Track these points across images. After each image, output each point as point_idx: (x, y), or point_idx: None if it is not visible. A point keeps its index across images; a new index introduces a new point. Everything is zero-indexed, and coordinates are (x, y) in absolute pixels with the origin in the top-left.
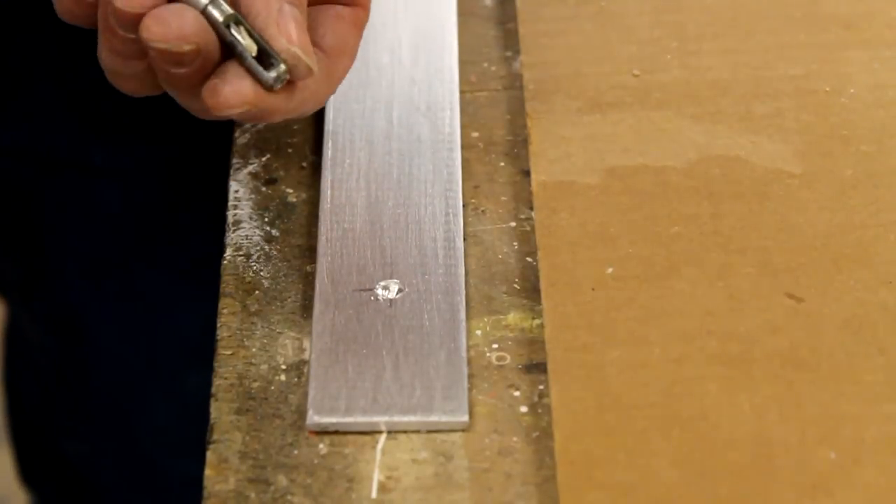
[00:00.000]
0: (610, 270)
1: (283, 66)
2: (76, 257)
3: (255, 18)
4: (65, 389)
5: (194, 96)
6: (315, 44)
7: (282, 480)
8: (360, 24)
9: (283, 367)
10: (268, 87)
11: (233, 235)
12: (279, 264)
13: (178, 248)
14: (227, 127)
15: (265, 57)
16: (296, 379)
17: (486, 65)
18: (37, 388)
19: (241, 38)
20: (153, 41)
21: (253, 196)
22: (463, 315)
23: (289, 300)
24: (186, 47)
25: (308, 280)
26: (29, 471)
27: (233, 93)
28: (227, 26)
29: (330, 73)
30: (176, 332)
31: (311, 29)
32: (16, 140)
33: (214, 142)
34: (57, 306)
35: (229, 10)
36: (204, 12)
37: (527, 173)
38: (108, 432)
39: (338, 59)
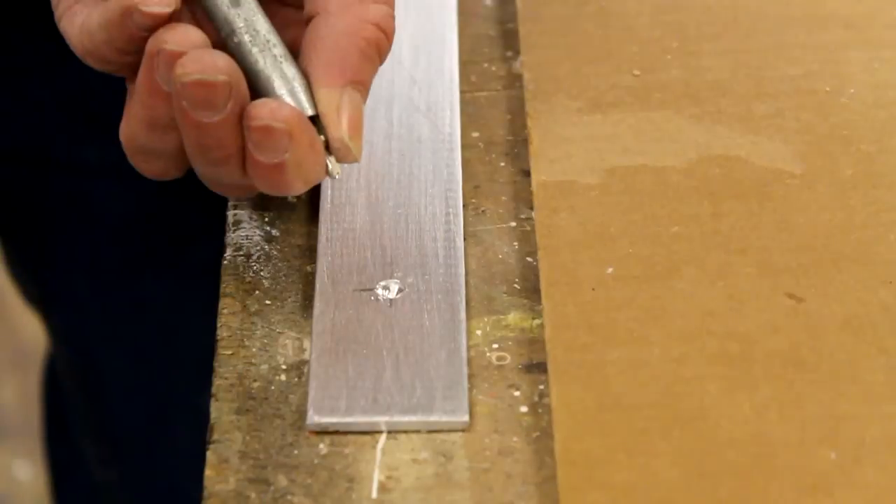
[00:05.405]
0: (610, 270)
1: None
2: (82, 268)
3: (319, 103)
4: (90, 414)
5: (224, 164)
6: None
7: (282, 480)
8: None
9: (284, 367)
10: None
11: (233, 235)
12: (279, 264)
13: (184, 255)
14: None
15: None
16: (296, 379)
17: (486, 65)
18: (69, 413)
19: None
20: (186, 75)
21: (253, 196)
22: (463, 315)
23: (289, 300)
24: (220, 77)
25: (308, 280)
26: (63, 499)
27: (277, 107)
28: None
29: None
30: (188, 350)
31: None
32: (8, 141)
33: None
34: (69, 323)
35: None
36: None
37: (527, 173)
38: (132, 458)
39: None
